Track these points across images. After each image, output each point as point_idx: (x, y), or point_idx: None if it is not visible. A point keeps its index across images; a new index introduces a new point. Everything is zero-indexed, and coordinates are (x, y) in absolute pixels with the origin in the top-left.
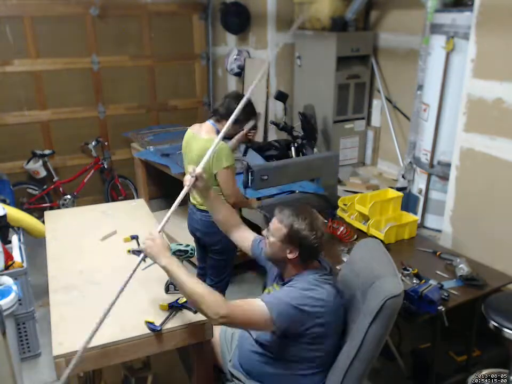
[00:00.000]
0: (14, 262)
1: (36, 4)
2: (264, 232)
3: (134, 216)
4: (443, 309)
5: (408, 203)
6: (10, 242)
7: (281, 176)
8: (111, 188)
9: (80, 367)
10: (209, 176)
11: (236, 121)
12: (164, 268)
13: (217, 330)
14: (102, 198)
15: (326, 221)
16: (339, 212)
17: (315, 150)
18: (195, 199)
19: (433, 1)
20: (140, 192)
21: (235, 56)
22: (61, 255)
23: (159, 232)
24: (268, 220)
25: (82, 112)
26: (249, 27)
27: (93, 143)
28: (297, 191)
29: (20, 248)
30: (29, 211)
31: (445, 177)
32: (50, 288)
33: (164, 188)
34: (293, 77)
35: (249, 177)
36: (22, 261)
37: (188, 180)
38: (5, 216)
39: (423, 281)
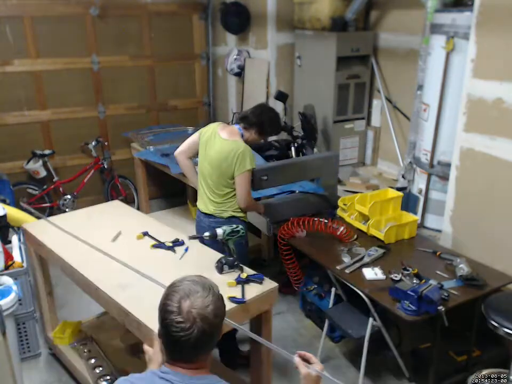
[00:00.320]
0: (14, 262)
1: (36, 3)
2: None
3: (118, 214)
4: (443, 309)
5: (408, 203)
6: (10, 242)
7: (281, 176)
8: (111, 187)
9: None
10: (226, 180)
11: (263, 133)
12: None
13: None
14: (102, 198)
15: (326, 220)
16: (339, 212)
17: (315, 150)
18: (201, 204)
19: (433, 1)
20: (139, 192)
21: (235, 56)
22: (86, 260)
23: None
24: (270, 227)
25: (82, 112)
26: (249, 27)
27: (93, 143)
28: (297, 191)
29: (20, 248)
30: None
31: (445, 177)
32: (104, 289)
33: (163, 188)
34: (293, 77)
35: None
36: (22, 261)
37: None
38: (5, 216)
39: (423, 281)
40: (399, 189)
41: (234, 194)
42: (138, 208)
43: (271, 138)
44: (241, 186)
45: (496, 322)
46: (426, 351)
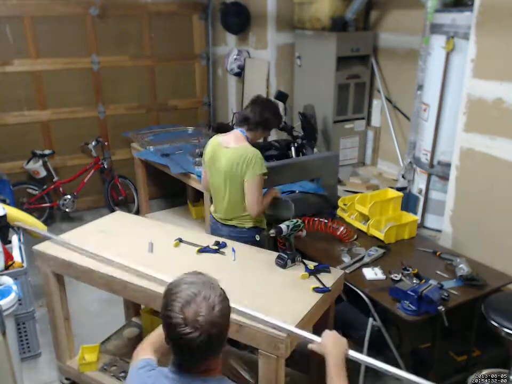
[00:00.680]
0: (14, 262)
1: (36, 3)
2: None
3: (131, 226)
4: (443, 309)
5: (408, 203)
6: (10, 242)
7: (281, 176)
8: (111, 187)
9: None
10: (239, 190)
11: (269, 128)
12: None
13: None
14: (102, 198)
15: (326, 220)
16: (339, 212)
17: (315, 150)
18: (217, 212)
19: (433, 1)
20: (139, 192)
21: (235, 56)
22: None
23: None
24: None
25: (82, 112)
26: (249, 27)
27: (93, 143)
28: (297, 191)
29: (20, 248)
30: (29, 211)
31: (445, 177)
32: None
33: (164, 188)
34: (293, 77)
35: None
36: (22, 261)
37: None
38: (5, 216)
39: (423, 281)
40: (399, 189)
41: None
42: (138, 208)
43: (270, 138)
44: (254, 191)
45: (496, 322)
46: (426, 351)
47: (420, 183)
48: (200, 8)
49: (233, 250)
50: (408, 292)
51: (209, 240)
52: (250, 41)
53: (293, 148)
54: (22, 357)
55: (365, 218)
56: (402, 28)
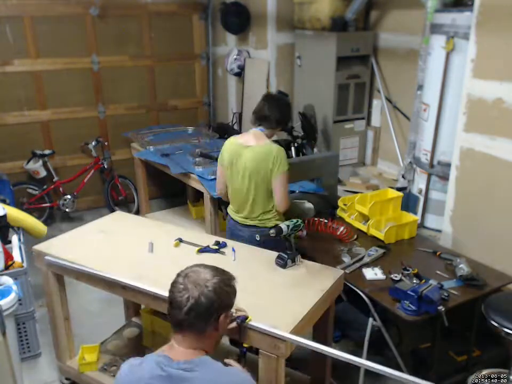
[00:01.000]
0: (14, 262)
1: (36, 3)
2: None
3: (131, 226)
4: (443, 309)
5: (408, 203)
6: (10, 242)
7: None
8: (111, 187)
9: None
10: (266, 185)
11: (286, 125)
12: None
13: None
14: (102, 198)
15: (326, 220)
16: (339, 212)
17: (315, 150)
18: (236, 213)
19: (433, 1)
20: (139, 192)
21: (235, 56)
22: (147, 274)
23: None
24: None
25: (82, 112)
26: (249, 27)
27: (93, 143)
28: (297, 191)
29: (20, 248)
30: (29, 211)
31: (445, 177)
32: None
33: (163, 188)
34: (293, 77)
35: None
36: (22, 261)
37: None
38: (5, 216)
39: (423, 281)
40: (399, 189)
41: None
42: (138, 208)
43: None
44: (283, 187)
45: (496, 322)
46: (426, 351)
47: (420, 183)
48: (200, 8)
49: (233, 250)
50: (408, 292)
51: (209, 240)
52: (250, 41)
53: (293, 148)
54: (22, 357)
55: (365, 218)
56: (402, 28)
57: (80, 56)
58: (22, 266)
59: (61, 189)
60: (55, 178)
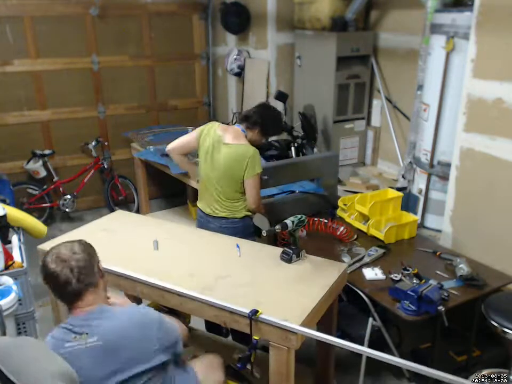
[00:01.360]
0: (14, 262)
1: (36, 3)
2: None
3: (135, 223)
4: (443, 309)
5: (408, 203)
6: (10, 242)
7: (281, 176)
8: (111, 187)
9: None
10: (237, 184)
11: (266, 133)
12: None
13: None
14: (102, 198)
15: (326, 220)
16: (339, 212)
17: (315, 150)
18: (206, 207)
19: (433, 1)
20: (139, 192)
21: (235, 56)
22: (156, 271)
23: None
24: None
25: (82, 112)
26: (249, 27)
27: (93, 143)
28: (297, 191)
29: (20, 248)
30: (29, 211)
31: (445, 177)
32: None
33: (164, 188)
34: (293, 77)
35: None
36: (22, 261)
37: None
38: (5, 216)
39: (423, 281)
40: (399, 189)
41: (245, 195)
42: (138, 208)
43: (271, 138)
44: (254, 189)
45: (496, 322)
46: (426, 351)
47: (420, 183)
48: (200, 8)
49: (238, 246)
50: (408, 292)
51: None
52: (250, 41)
53: (293, 148)
54: None
55: (365, 218)
56: (402, 28)
57: (80, 56)
58: (22, 266)
59: (61, 189)
60: (55, 178)
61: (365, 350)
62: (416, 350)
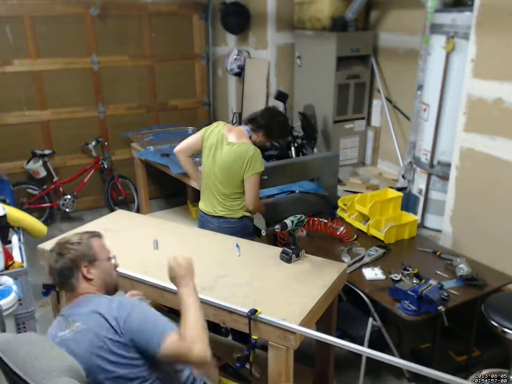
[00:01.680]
0: (14, 262)
1: (36, 3)
2: None
3: (135, 222)
4: (443, 309)
5: (408, 203)
6: (10, 242)
7: (281, 176)
8: (111, 187)
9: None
10: (236, 182)
11: (270, 136)
12: (186, 289)
13: None
14: (102, 198)
15: (326, 220)
16: (339, 212)
17: (315, 150)
18: (206, 206)
19: (433, 1)
20: (139, 192)
21: (235, 56)
22: (156, 270)
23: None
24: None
25: (82, 112)
26: (249, 27)
27: (93, 143)
28: (297, 191)
29: (20, 248)
30: (29, 211)
31: (445, 177)
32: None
33: (164, 188)
34: (293, 77)
35: None
36: (22, 261)
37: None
38: (5, 216)
39: (423, 281)
40: (399, 189)
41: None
42: (138, 208)
43: None
44: (251, 189)
45: (496, 322)
46: (426, 351)
47: (420, 183)
48: (200, 8)
49: (237, 245)
50: (408, 292)
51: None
52: (250, 41)
53: (293, 148)
54: None
55: (365, 218)
56: (402, 28)
57: (80, 56)
58: (22, 266)
59: (61, 189)
60: (55, 178)
61: (364, 350)
62: (416, 350)
